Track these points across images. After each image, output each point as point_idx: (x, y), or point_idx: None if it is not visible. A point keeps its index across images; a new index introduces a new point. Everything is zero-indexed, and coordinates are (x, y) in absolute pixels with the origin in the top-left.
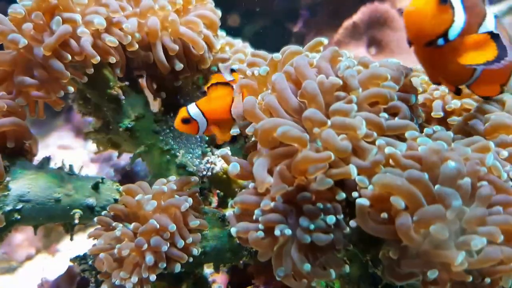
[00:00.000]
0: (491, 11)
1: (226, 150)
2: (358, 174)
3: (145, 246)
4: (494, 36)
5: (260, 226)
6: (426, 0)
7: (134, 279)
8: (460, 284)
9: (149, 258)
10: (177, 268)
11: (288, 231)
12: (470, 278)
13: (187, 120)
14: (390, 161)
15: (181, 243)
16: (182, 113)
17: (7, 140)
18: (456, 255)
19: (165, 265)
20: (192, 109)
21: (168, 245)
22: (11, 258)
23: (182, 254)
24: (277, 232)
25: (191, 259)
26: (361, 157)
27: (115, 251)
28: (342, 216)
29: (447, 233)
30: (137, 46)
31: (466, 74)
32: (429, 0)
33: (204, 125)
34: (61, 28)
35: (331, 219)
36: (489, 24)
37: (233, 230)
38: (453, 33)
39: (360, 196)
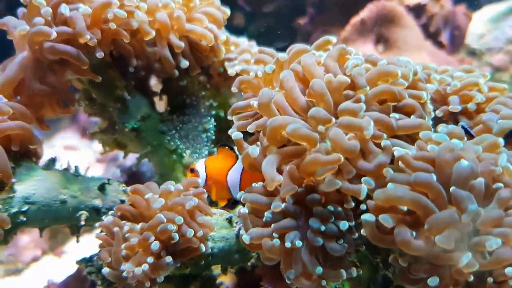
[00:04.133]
0: None
1: (240, 134)
2: (364, 176)
3: (152, 238)
4: None
5: (274, 234)
6: None
7: (145, 266)
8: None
9: (155, 244)
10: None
11: (299, 243)
12: (471, 278)
13: (192, 170)
14: (400, 163)
15: (190, 232)
16: (192, 164)
17: (12, 144)
18: (460, 256)
19: (177, 236)
20: (200, 162)
21: (177, 236)
22: (17, 259)
23: (195, 240)
24: (287, 244)
25: (203, 248)
26: (367, 159)
27: (123, 246)
28: (353, 223)
29: (453, 244)
30: (153, 32)
31: None
32: None
33: (203, 179)
34: (74, 14)
35: (344, 225)
36: None
37: (245, 238)
38: None
39: (367, 209)
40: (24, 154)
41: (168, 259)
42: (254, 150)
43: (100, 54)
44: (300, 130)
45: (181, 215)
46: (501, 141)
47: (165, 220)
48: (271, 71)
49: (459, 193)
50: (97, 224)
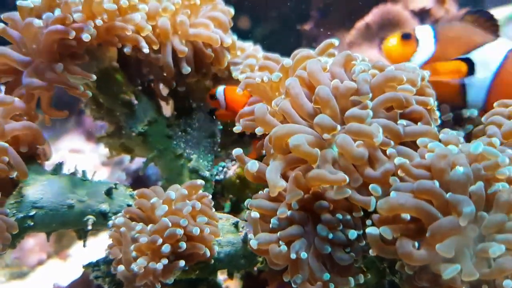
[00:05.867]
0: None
1: (240, 150)
2: (370, 184)
3: (160, 240)
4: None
5: (281, 242)
6: (394, 36)
7: (160, 265)
8: None
9: (166, 247)
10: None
11: (304, 254)
12: None
13: (212, 96)
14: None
15: (196, 229)
16: (211, 90)
17: (20, 144)
18: (446, 268)
19: (184, 245)
20: (220, 89)
21: (185, 245)
22: (23, 263)
23: (201, 245)
24: (292, 255)
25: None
26: (374, 167)
27: (132, 247)
28: (361, 232)
29: (453, 252)
30: (150, 27)
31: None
32: (395, 36)
33: (223, 105)
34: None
35: (352, 234)
36: (481, 54)
37: (253, 243)
38: (416, 61)
39: (372, 223)
40: (31, 157)
41: (182, 263)
42: (253, 165)
43: (86, 37)
44: (302, 147)
45: (186, 218)
46: (497, 141)
47: (171, 224)
48: (277, 79)
49: (454, 197)
50: (110, 223)
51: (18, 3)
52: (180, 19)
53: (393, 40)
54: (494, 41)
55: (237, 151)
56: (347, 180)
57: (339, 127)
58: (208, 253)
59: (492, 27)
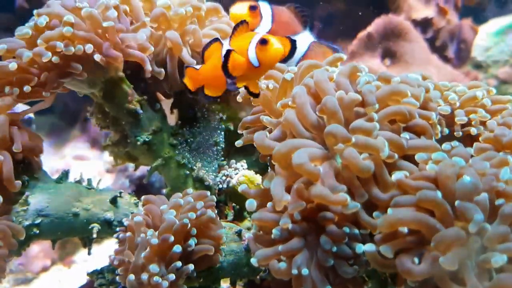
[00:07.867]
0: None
1: (244, 172)
2: (375, 202)
3: (172, 238)
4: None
5: (282, 257)
6: (243, 4)
7: (172, 276)
8: None
9: (177, 247)
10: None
11: (306, 271)
12: None
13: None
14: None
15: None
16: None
17: (14, 143)
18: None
19: (193, 243)
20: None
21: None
22: (27, 269)
23: (209, 247)
24: (294, 271)
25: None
26: (378, 183)
27: (142, 254)
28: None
29: (457, 265)
30: (152, 49)
31: None
32: (244, 5)
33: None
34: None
35: (360, 248)
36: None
37: (253, 261)
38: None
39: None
40: (37, 164)
41: (191, 267)
42: (250, 204)
43: (97, 56)
44: (304, 166)
45: (195, 226)
46: (510, 158)
47: (178, 222)
48: (290, 79)
49: (464, 205)
50: (125, 222)
51: (16, 34)
52: (193, 27)
53: (242, 8)
54: (302, 32)
55: (242, 188)
56: (349, 200)
57: (353, 138)
58: (220, 258)
59: (303, 21)
